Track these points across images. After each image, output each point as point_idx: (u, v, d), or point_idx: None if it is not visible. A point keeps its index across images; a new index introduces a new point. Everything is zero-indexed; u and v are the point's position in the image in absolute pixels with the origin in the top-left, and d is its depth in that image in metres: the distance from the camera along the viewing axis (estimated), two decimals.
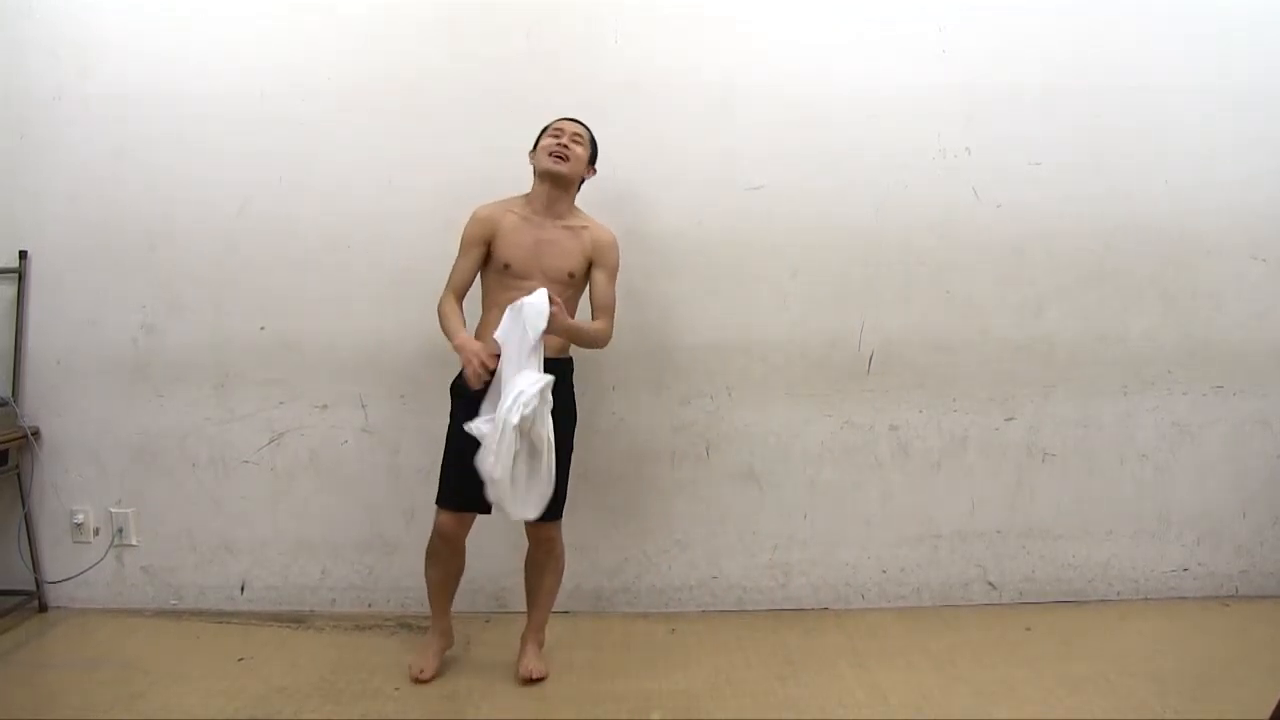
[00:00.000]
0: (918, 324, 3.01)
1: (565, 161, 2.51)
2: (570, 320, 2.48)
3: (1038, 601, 3.09)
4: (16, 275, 2.99)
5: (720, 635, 2.87)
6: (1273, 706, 1.87)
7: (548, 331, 2.37)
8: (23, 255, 2.99)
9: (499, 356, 2.38)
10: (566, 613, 3.05)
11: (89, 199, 2.98)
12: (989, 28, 2.95)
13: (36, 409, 3.03)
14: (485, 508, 2.43)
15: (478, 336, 2.51)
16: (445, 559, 2.58)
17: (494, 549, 3.04)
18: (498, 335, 2.39)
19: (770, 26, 2.94)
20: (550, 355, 2.46)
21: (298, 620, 3.00)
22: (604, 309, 2.58)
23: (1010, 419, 3.07)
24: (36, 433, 3.01)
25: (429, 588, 2.64)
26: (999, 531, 3.09)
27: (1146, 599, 3.11)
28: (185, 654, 2.75)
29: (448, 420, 2.53)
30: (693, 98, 2.94)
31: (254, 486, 3.04)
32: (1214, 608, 3.07)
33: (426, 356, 2.99)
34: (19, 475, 3.01)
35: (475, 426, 2.35)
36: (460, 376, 2.46)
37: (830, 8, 2.95)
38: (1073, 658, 2.69)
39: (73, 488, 3.05)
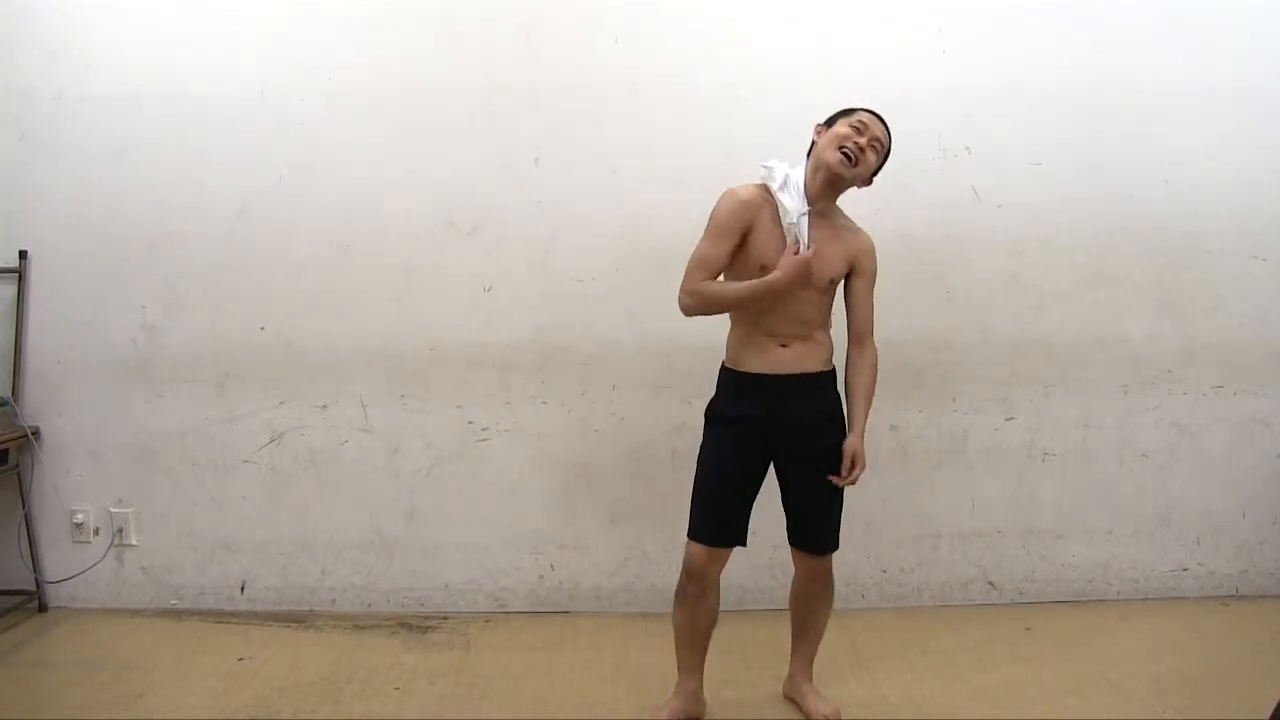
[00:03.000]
0: (918, 324, 3.01)
1: (852, 165, 2.14)
2: (860, 426, 2.25)
3: (1038, 601, 3.09)
4: (16, 275, 2.99)
5: (720, 635, 2.86)
6: (1273, 706, 1.87)
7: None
8: (23, 255, 2.99)
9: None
10: (565, 613, 3.06)
11: (89, 199, 2.98)
12: (989, 28, 2.95)
13: (36, 409, 3.03)
14: (741, 540, 2.27)
15: (730, 350, 2.27)
16: (694, 600, 2.26)
17: (494, 548, 3.05)
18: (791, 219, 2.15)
19: (770, 27, 2.94)
20: (816, 369, 2.25)
21: (298, 620, 3.00)
22: (868, 329, 2.28)
23: (1010, 419, 3.07)
24: (36, 433, 3.01)
25: (676, 634, 2.33)
26: (999, 531, 3.09)
27: (1146, 599, 3.11)
28: (185, 654, 2.75)
29: (702, 445, 2.32)
30: (692, 99, 2.94)
31: (254, 486, 3.04)
32: (1214, 608, 3.06)
33: (426, 356, 2.99)
34: (19, 475, 3.01)
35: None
36: (716, 398, 2.27)
37: (830, 8, 2.94)
38: (1073, 658, 2.69)
39: (73, 488, 3.06)
